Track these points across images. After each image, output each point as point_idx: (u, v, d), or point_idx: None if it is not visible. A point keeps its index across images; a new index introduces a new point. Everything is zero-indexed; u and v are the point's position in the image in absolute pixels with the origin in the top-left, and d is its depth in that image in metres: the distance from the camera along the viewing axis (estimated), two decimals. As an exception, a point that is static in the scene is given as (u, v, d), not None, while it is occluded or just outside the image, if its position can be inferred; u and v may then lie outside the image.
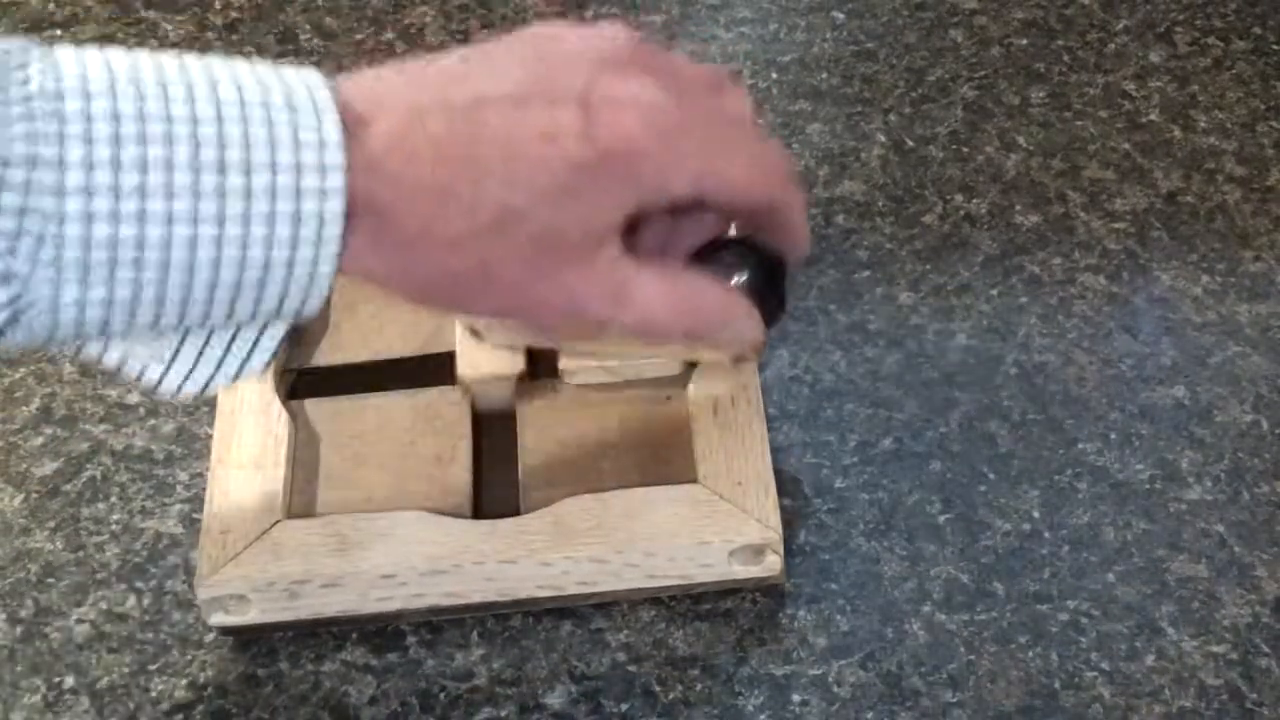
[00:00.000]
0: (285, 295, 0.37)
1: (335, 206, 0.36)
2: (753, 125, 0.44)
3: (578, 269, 0.40)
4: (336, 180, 0.36)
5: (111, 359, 0.38)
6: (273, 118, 0.36)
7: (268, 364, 0.40)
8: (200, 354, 0.39)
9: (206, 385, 0.40)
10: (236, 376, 0.40)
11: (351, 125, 0.37)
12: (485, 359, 0.51)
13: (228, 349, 0.39)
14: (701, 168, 0.41)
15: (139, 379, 0.39)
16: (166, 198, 0.35)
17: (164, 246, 0.35)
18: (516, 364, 0.51)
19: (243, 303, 0.37)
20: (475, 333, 0.51)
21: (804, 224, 0.45)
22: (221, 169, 0.35)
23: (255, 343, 0.40)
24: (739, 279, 0.45)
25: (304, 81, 0.37)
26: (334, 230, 0.37)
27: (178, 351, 0.39)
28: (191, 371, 0.39)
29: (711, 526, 0.47)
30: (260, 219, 0.36)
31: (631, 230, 0.41)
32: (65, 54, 0.35)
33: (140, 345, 0.39)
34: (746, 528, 0.47)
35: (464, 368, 0.51)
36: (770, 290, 0.46)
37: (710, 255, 0.45)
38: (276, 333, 0.40)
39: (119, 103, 0.34)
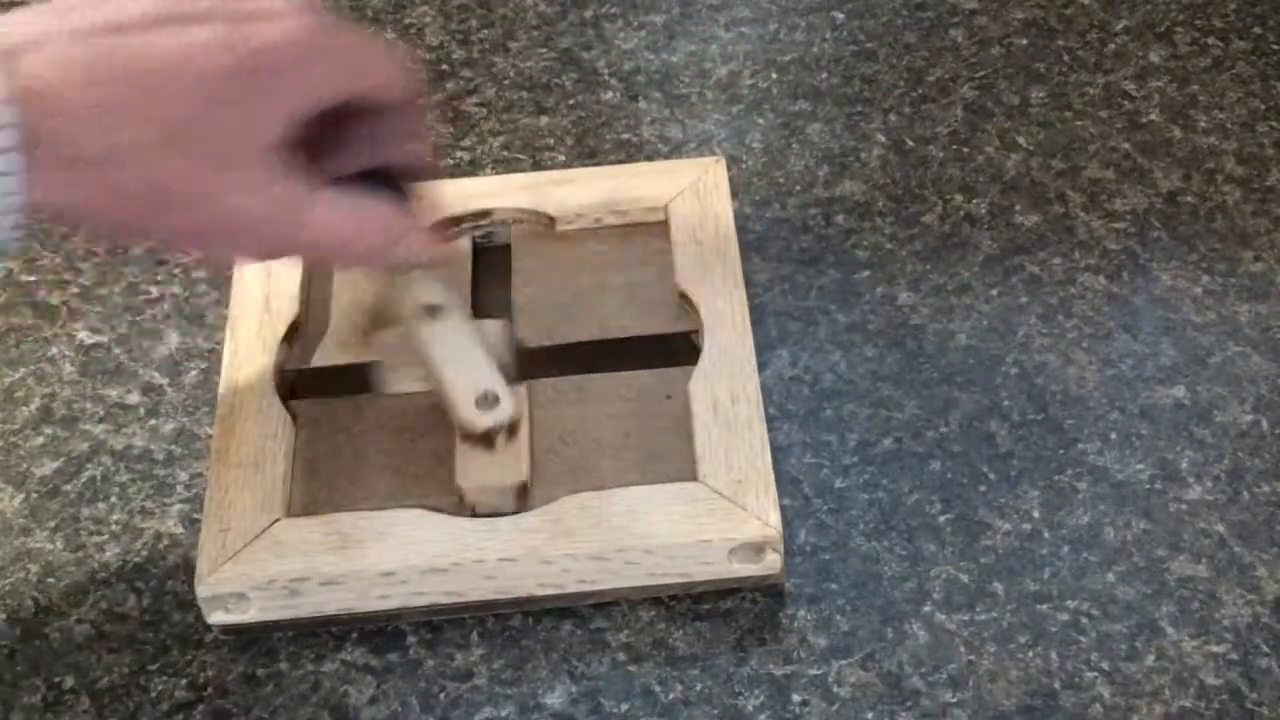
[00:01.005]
0: None
1: (8, 139, 0.37)
2: (375, 36, 0.46)
3: (247, 183, 0.41)
4: (7, 115, 0.37)
5: None
6: None
7: None
8: None
9: None
10: None
11: (8, 59, 0.38)
12: (485, 468, 0.49)
13: None
14: (346, 69, 0.43)
15: None
16: None
17: None
18: (519, 474, 0.49)
19: None
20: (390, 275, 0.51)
21: (422, 110, 0.49)
22: None
23: None
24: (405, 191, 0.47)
25: None
26: (12, 163, 0.37)
27: None
28: None
29: (711, 525, 0.47)
30: None
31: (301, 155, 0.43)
32: None
33: None
34: (746, 526, 0.47)
35: (462, 478, 0.49)
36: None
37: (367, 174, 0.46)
38: None
39: None
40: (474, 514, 0.48)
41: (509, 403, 0.49)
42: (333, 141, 0.45)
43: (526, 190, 0.56)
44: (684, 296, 0.53)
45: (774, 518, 0.47)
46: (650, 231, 0.56)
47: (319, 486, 0.50)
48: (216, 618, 0.47)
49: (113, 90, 0.39)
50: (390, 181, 0.46)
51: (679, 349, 0.52)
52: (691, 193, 0.56)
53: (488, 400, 0.49)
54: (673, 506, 0.47)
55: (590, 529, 0.47)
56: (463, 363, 0.49)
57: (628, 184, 0.56)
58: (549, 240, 0.56)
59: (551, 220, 0.56)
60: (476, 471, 0.49)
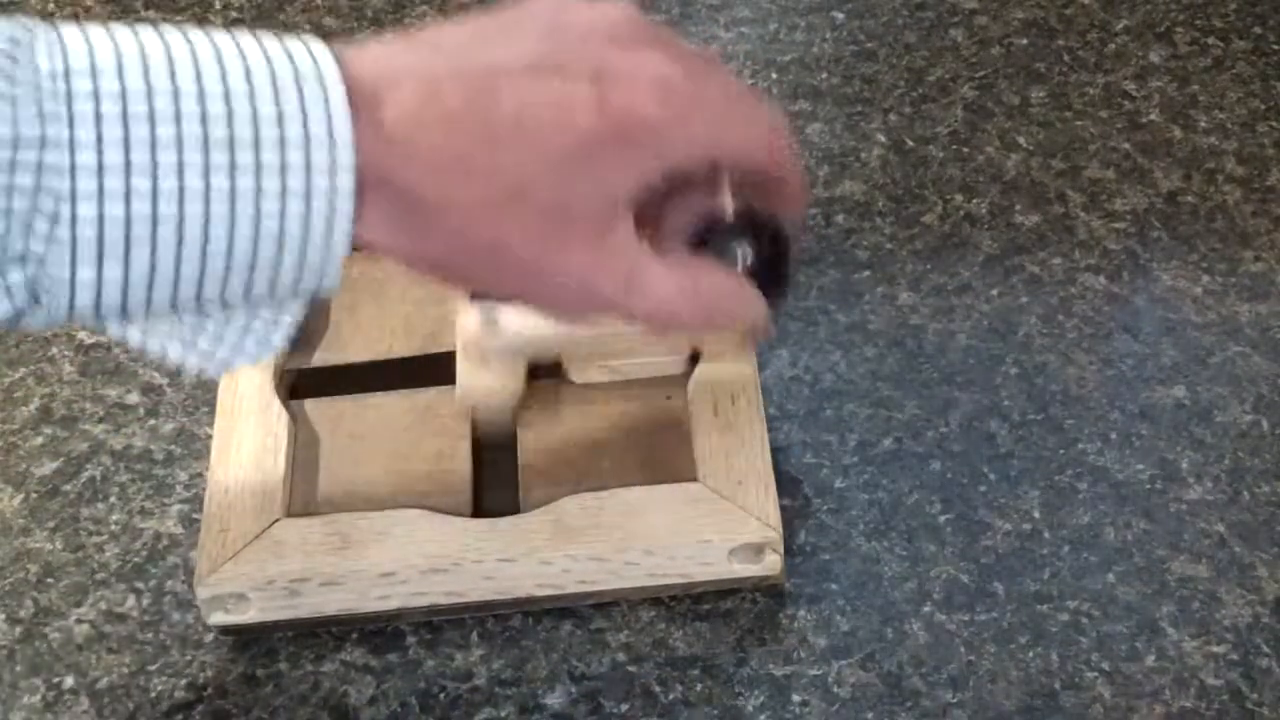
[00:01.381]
0: (301, 271, 0.37)
1: (346, 182, 0.36)
2: (747, 89, 0.45)
3: (589, 248, 0.40)
4: (346, 156, 0.36)
5: (134, 339, 0.38)
6: (280, 93, 0.36)
7: (285, 342, 0.40)
8: (222, 334, 0.39)
9: (228, 364, 0.40)
10: (258, 356, 0.40)
11: (361, 97, 0.37)
12: (485, 379, 0.50)
13: (246, 329, 0.39)
14: (712, 135, 0.41)
15: (162, 359, 0.39)
16: (178, 175, 0.35)
17: (177, 224, 0.35)
18: (517, 384, 0.50)
19: (258, 280, 0.37)
20: (491, 321, 0.50)
21: (803, 187, 0.46)
22: (231, 146, 0.35)
23: (274, 321, 0.40)
24: (745, 259, 0.45)
25: (310, 54, 0.37)
26: (346, 205, 0.36)
27: (199, 332, 0.39)
28: (214, 352, 0.39)
29: (711, 525, 0.47)
30: (271, 195, 0.36)
31: (640, 219, 0.42)
32: (71, 32, 0.35)
33: (161, 326, 0.38)
34: (746, 526, 0.47)
35: (463, 387, 0.50)
36: (775, 268, 0.46)
37: (713, 237, 0.45)
38: (295, 310, 0.40)
39: (127, 80, 0.34)
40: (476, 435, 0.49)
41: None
42: (683, 196, 0.44)
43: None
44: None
45: (774, 518, 0.47)
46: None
47: (319, 487, 0.50)
48: (216, 618, 0.47)
49: (474, 144, 0.37)
50: (757, 229, 0.45)
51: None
52: (691, 193, 0.56)
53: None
54: (673, 507, 0.47)
55: (590, 529, 0.47)
56: None
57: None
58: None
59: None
60: (477, 384, 0.49)
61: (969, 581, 0.49)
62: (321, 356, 0.53)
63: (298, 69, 0.36)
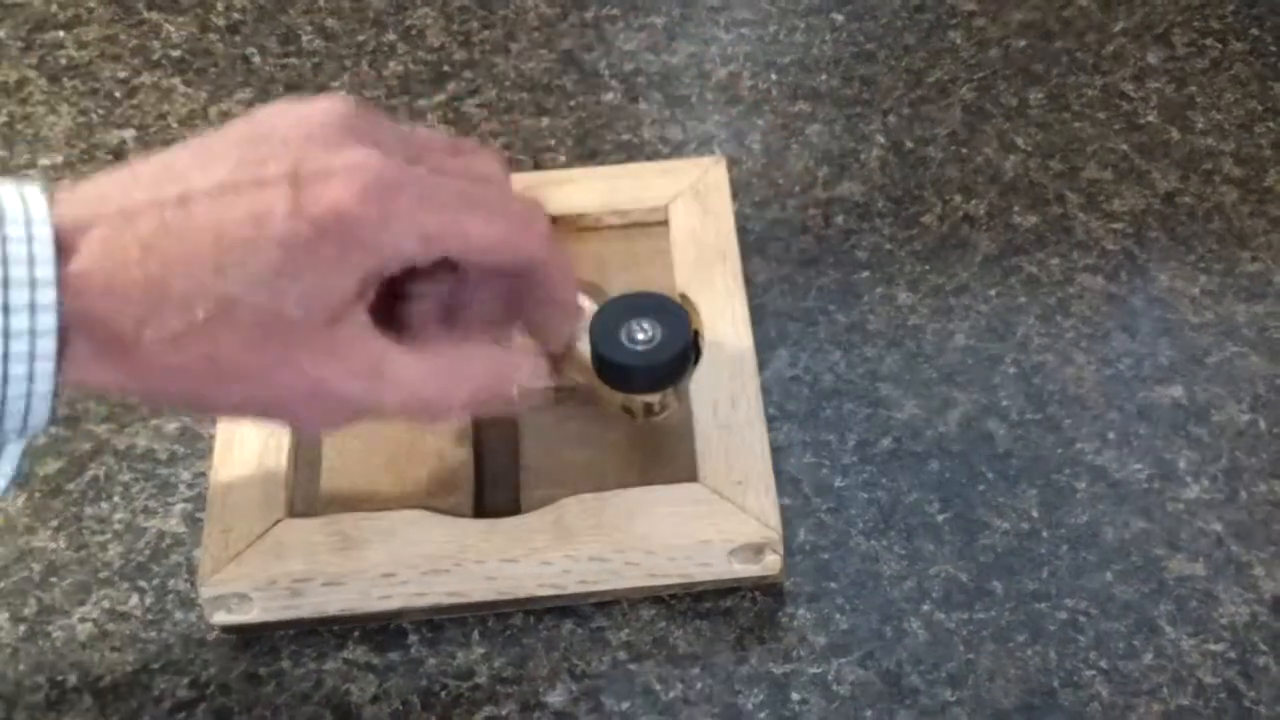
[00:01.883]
0: (2, 414, 0.37)
1: (47, 321, 0.36)
2: (502, 183, 0.43)
3: (314, 350, 0.39)
4: (47, 295, 0.36)
5: None
6: None
7: (5, 489, 0.40)
8: None
9: None
10: None
11: (66, 237, 0.37)
12: None
13: None
14: (432, 227, 0.39)
15: None
16: None
17: None
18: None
19: None
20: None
21: (566, 284, 0.44)
22: None
23: None
24: (642, 337, 0.47)
25: (19, 195, 0.37)
26: (48, 345, 0.36)
27: None
28: None
29: (711, 526, 0.47)
30: None
31: (396, 300, 0.41)
32: None
33: None
34: (746, 527, 0.47)
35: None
36: (676, 346, 0.47)
37: (613, 314, 0.45)
38: (12, 453, 0.39)
39: None
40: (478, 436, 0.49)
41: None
42: (423, 280, 0.42)
43: (528, 190, 0.56)
44: (684, 297, 0.53)
45: (774, 519, 0.47)
46: (651, 232, 0.56)
47: (321, 487, 0.50)
48: (219, 618, 0.47)
49: (171, 270, 0.37)
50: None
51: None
52: (692, 193, 0.56)
53: None
54: (673, 507, 0.47)
55: (591, 530, 0.47)
56: None
57: (628, 184, 0.57)
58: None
59: (553, 220, 0.56)
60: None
61: (968, 580, 0.49)
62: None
63: (2, 210, 0.36)
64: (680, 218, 0.55)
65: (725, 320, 0.52)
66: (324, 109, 0.40)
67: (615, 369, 0.48)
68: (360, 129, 0.39)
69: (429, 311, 0.43)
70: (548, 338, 0.45)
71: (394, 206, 0.38)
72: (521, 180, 0.58)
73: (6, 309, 0.36)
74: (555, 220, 0.56)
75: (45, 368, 0.37)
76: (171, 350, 0.38)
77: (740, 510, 0.47)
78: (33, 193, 0.37)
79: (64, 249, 0.37)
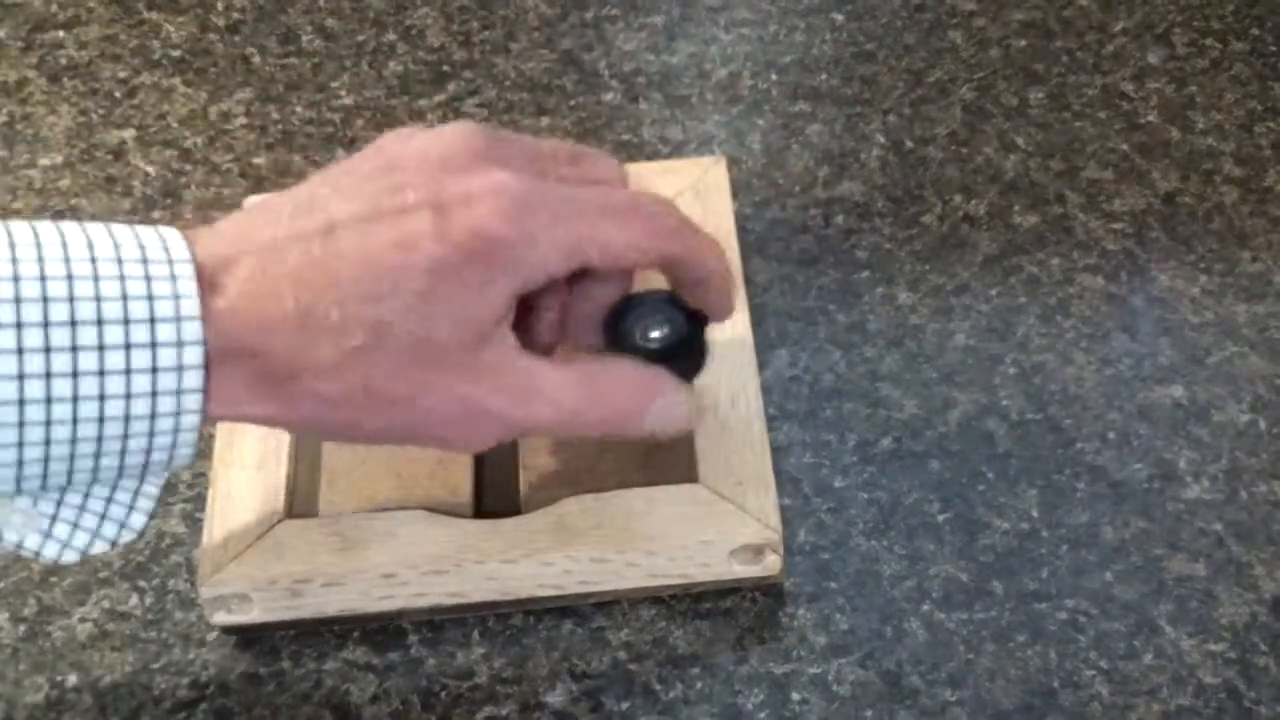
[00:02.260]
0: (151, 448, 0.37)
1: (193, 357, 0.37)
2: (625, 184, 0.44)
3: (464, 372, 0.39)
4: (193, 331, 0.36)
5: None
6: (125, 272, 0.36)
7: (146, 523, 0.41)
8: (77, 519, 0.39)
9: (85, 550, 0.40)
10: (115, 540, 0.40)
11: (209, 273, 0.37)
12: None
13: (105, 512, 0.40)
14: (572, 239, 0.40)
15: (18, 549, 0.39)
16: (16, 356, 0.35)
17: (17, 405, 0.35)
18: None
19: (107, 458, 0.37)
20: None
21: (721, 273, 0.44)
22: (73, 324, 0.35)
23: (132, 502, 0.40)
24: (656, 335, 0.44)
25: (159, 235, 0.38)
26: (194, 381, 0.37)
27: (54, 518, 0.39)
28: (70, 539, 0.40)
29: (712, 526, 0.47)
30: (115, 374, 0.36)
31: (529, 316, 0.41)
32: None
33: (15, 515, 0.38)
34: (746, 527, 0.47)
35: None
36: (690, 344, 0.45)
37: (626, 313, 0.44)
38: (152, 489, 0.40)
39: None
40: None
41: None
42: (582, 288, 0.43)
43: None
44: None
45: (774, 519, 0.47)
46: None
47: (322, 488, 0.50)
48: (219, 618, 0.47)
49: (321, 300, 0.37)
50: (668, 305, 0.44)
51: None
52: (692, 193, 0.56)
53: None
54: (673, 508, 0.47)
55: (591, 531, 0.47)
56: None
57: (629, 183, 0.57)
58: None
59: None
60: None
61: (968, 580, 0.49)
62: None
63: (144, 247, 0.37)
64: (680, 217, 0.55)
65: (725, 321, 0.52)
66: (451, 135, 0.40)
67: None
68: (489, 151, 0.40)
69: (555, 321, 0.44)
70: (715, 311, 0.45)
71: (534, 223, 0.39)
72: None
73: (154, 345, 0.36)
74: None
75: (192, 402, 0.37)
76: (326, 380, 0.38)
77: (740, 511, 0.47)
78: (170, 233, 0.38)
79: (210, 285, 0.37)
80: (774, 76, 0.65)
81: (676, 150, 0.62)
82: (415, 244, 0.38)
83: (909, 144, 0.62)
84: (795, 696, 0.47)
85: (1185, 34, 0.66)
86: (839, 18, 0.67)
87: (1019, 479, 0.52)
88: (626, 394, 0.42)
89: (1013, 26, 0.66)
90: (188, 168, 0.62)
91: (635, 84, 0.65)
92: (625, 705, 0.47)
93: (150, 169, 0.62)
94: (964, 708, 0.46)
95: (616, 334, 0.44)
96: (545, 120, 0.63)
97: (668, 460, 0.49)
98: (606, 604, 0.49)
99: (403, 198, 0.39)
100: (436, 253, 0.38)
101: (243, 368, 0.38)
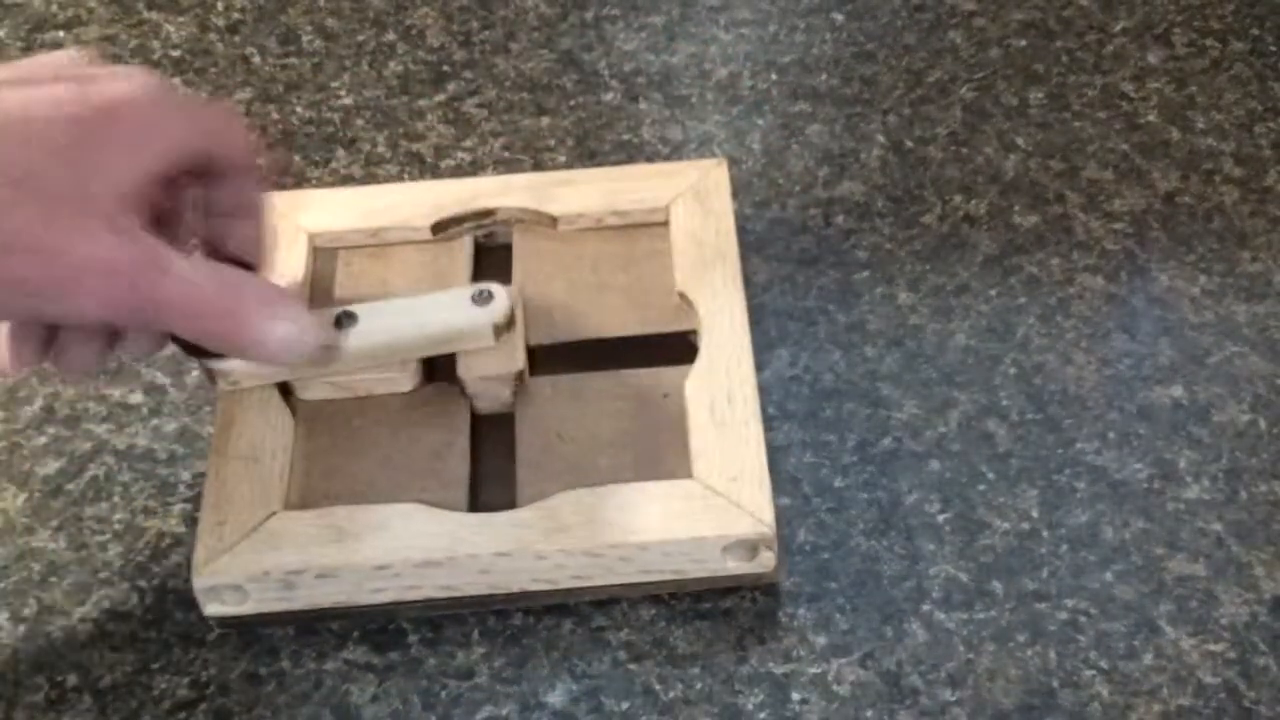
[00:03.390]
0: None
1: None
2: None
3: (107, 233, 0.41)
4: None
5: None
6: None
7: None
8: None
9: None
10: None
11: None
12: (485, 360, 0.51)
13: None
14: (192, 126, 0.44)
15: None
16: None
17: None
18: (516, 364, 0.51)
19: None
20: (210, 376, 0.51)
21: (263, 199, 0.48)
22: None
23: None
24: None
25: None
26: None
27: None
28: None
29: (705, 521, 0.47)
30: None
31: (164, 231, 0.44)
32: None
33: None
34: (740, 523, 0.47)
35: (463, 369, 0.51)
36: None
37: None
38: None
39: None
40: (473, 409, 0.51)
41: (503, 296, 0.51)
42: (175, 215, 0.46)
43: (528, 190, 0.57)
44: (683, 296, 0.53)
45: (768, 515, 0.47)
46: (651, 232, 0.56)
47: (317, 480, 0.50)
48: (213, 609, 0.47)
49: None
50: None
51: (677, 349, 0.53)
52: (692, 194, 0.56)
53: (483, 297, 0.50)
54: (667, 503, 0.47)
55: (584, 525, 0.47)
56: (435, 292, 0.52)
57: (629, 185, 0.57)
58: (550, 240, 0.56)
59: (553, 220, 0.56)
60: (478, 364, 0.50)
61: (968, 580, 0.49)
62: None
63: None
64: (680, 218, 0.55)
65: (723, 319, 0.52)
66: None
67: None
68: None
69: (187, 230, 0.47)
70: (251, 251, 0.48)
71: (169, 103, 0.44)
72: (522, 180, 0.58)
73: None
74: (556, 220, 0.56)
75: None
76: None
77: (734, 506, 0.47)
78: None
79: None
80: (774, 76, 0.65)
81: (676, 151, 0.62)
82: (63, 102, 0.41)
83: (909, 144, 0.62)
84: (795, 697, 0.47)
85: (1185, 34, 0.66)
86: (839, 18, 0.67)
87: (1019, 479, 0.51)
88: (252, 295, 0.45)
89: (1013, 26, 0.66)
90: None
91: (635, 84, 0.65)
92: (625, 705, 0.47)
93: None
94: (964, 708, 0.46)
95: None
96: (545, 120, 0.63)
97: (663, 457, 0.49)
98: (606, 603, 0.49)
99: (56, 71, 0.43)
100: (72, 112, 0.41)
101: None
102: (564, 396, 0.51)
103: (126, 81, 0.43)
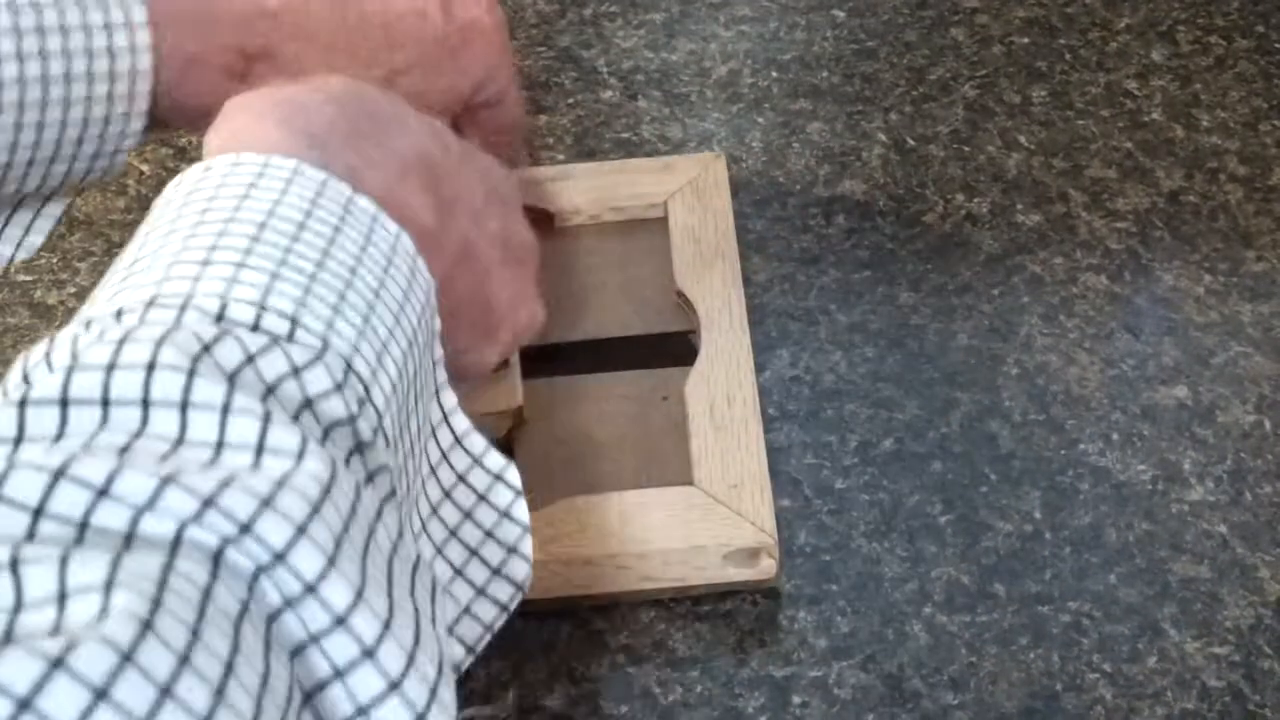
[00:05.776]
0: (99, 152, 0.43)
1: (144, 63, 0.42)
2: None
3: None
4: (140, 13, 0.42)
5: None
6: None
7: (42, 243, 0.45)
8: None
9: None
10: (13, 256, 0.45)
11: None
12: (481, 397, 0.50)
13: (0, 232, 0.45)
14: (509, 70, 0.50)
15: None
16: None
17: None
18: (514, 399, 0.50)
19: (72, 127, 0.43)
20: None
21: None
22: (41, 33, 0.41)
23: (31, 222, 0.45)
24: None
25: None
26: (144, 86, 0.43)
27: None
28: None
29: (706, 530, 0.47)
30: (80, 66, 0.42)
31: None
32: None
33: None
34: (741, 531, 0.47)
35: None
36: None
37: None
38: (55, 210, 0.45)
39: None
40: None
41: None
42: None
43: (526, 186, 0.56)
44: (682, 295, 0.53)
45: (769, 523, 0.47)
46: (649, 228, 0.56)
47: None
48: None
49: (349, 33, 0.45)
50: None
51: (677, 348, 0.52)
52: (691, 189, 0.56)
53: None
54: (667, 511, 0.47)
55: (584, 533, 0.47)
56: None
57: (627, 180, 0.56)
58: (548, 237, 0.56)
59: (551, 216, 0.56)
60: (473, 400, 0.49)
61: (970, 583, 0.49)
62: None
63: None
64: (679, 214, 0.55)
65: (723, 319, 0.52)
66: None
67: None
68: None
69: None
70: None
71: (501, 38, 0.49)
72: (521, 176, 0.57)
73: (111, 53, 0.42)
74: (553, 216, 0.56)
75: (139, 108, 0.43)
76: (329, 82, 0.42)
77: (735, 514, 0.47)
78: None
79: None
80: (774, 74, 0.64)
81: (676, 148, 0.62)
82: (428, 15, 0.47)
83: (911, 142, 0.62)
84: (796, 700, 0.46)
85: (1189, 31, 0.66)
86: (840, 14, 0.67)
87: (1021, 480, 0.51)
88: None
89: (1015, 24, 0.66)
90: (183, 166, 0.62)
91: (634, 81, 0.64)
92: (624, 709, 0.46)
93: (145, 168, 0.62)
94: (966, 711, 0.46)
95: None
96: (544, 118, 0.63)
97: (665, 462, 0.49)
98: (605, 606, 0.48)
99: None
100: (444, 26, 0.47)
101: (266, 68, 0.44)
102: (562, 399, 0.51)
103: (481, 8, 0.48)
